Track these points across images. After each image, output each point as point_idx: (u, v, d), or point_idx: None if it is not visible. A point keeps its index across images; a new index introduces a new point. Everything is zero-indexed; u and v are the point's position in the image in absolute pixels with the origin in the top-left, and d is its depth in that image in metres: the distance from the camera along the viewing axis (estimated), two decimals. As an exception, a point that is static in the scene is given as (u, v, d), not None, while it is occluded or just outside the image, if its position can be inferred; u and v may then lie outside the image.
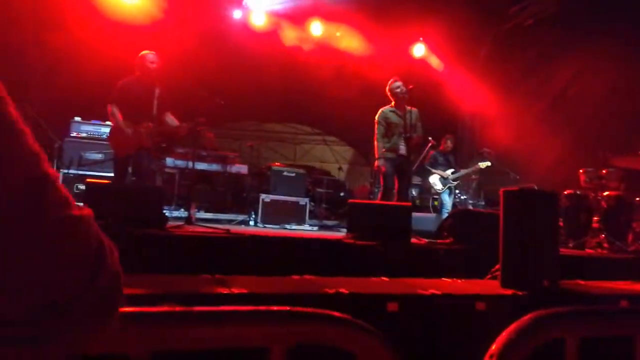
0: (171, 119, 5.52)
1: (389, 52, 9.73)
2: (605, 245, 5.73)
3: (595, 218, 6.03)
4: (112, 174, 5.91)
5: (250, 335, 1.03)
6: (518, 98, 9.47)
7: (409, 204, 5.73)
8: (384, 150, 6.19)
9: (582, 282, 3.82)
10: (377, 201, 6.31)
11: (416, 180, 9.11)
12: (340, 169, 11.23)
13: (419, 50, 10.46)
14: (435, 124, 8.26)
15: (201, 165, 7.62)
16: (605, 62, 7.96)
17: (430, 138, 7.94)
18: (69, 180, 6.91)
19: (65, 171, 7.01)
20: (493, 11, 9.59)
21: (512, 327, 1.11)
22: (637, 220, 6.03)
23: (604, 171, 6.24)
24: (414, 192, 9.30)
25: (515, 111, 9.31)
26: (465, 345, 2.65)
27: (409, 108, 6.24)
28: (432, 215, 8.31)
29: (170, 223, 4.59)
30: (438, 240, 4.86)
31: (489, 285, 3.49)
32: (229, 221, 7.22)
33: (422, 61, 10.55)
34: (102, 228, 0.54)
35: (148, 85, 5.39)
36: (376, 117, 6.33)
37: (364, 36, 9.67)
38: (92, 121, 7.72)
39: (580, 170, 6.53)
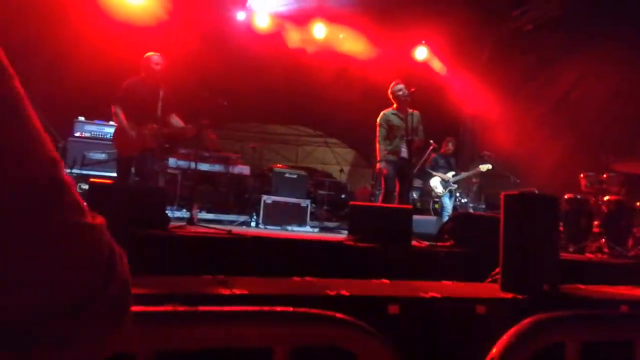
0: (176, 121, 5.53)
1: (391, 55, 9.75)
2: (606, 250, 5.72)
3: (596, 222, 6.03)
4: (115, 174, 5.93)
5: (254, 336, 1.04)
6: (519, 101, 9.48)
7: (410, 206, 5.73)
8: (385, 152, 6.20)
9: (582, 287, 3.82)
10: (378, 204, 6.31)
11: (417, 183, 9.12)
12: (341, 171, 11.24)
13: (421, 53, 10.48)
14: (437, 127, 8.27)
15: (203, 166, 7.64)
16: (607, 66, 7.96)
17: (431, 141, 7.95)
18: (72, 180, 6.91)
19: (69, 171, 7.02)
20: (495, 15, 9.61)
21: (513, 330, 1.11)
22: (638, 225, 6.03)
23: (604, 175, 6.23)
24: (415, 195, 9.30)
25: (516, 115, 9.31)
26: (466, 348, 2.66)
27: (410, 111, 6.25)
28: (433, 218, 8.32)
29: (173, 223, 4.61)
30: (439, 243, 4.86)
31: (489, 289, 3.49)
32: (231, 222, 7.24)
33: (424, 64, 10.57)
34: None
35: (153, 86, 5.40)
36: (378, 120, 6.34)
37: (367, 39, 9.69)
38: (96, 121, 7.75)
39: (581, 175, 6.52)
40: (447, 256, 4.40)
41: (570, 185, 6.70)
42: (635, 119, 7.50)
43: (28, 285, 0.45)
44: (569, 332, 1.19)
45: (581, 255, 5.71)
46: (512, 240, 3.43)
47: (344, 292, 2.74)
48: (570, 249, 5.92)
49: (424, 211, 9.07)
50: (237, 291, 2.54)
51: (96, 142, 7.52)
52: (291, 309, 1.03)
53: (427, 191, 9.04)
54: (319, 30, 9.71)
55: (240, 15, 9.49)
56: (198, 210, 6.63)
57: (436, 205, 8.81)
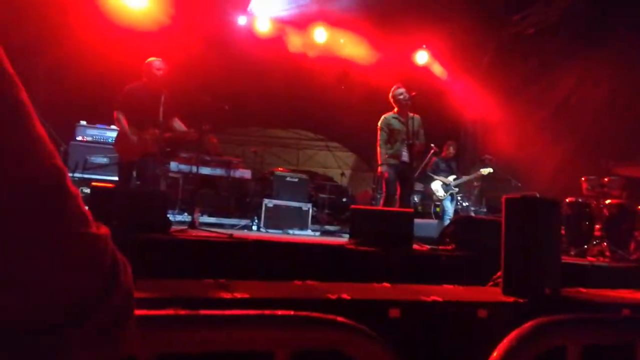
0: (179, 124, 5.55)
1: (392, 59, 9.76)
2: (607, 253, 5.72)
3: (598, 226, 6.02)
4: (117, 178, 5.94)
5: (255, 339, 1.05)
6: (520, 105, 9.48)
7: (411, 210, 5.73)
8: (386, 156, 6.21)
9: (584, 290, 3.82)
10: (380, 207, 6.32)
11: (418, 186, 9.12)
12: (342, 174, 11.25)
13: (421, 57, 10.49)
14: (438, 131, 8.27)
15: (205, 170, 7.64)
16: (608, 70, 7.96)
17: (432, 145, 7.95)
18: (74, 184, 6.92)
19: (70, 175, 7.01)
20: (496, 19, 9.62)
21: (514, 334, 1.11)
22: (639, 229, 6.02)
23: (606, 179, 6.23)
24: (416, 199, 9.31)
25: (517, 118, 9.31)
26: (467, 352, 2.66)
27: (411, 115, 6.26)
28: (434, 221, 8.32)
29: (174, 227, 4.61)
30: (440, 247, 4.87)
31: (491, 292, 3.49)
32: (232, 226, 7.23)
33: (425, 68, 10.58)
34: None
35: (154, 91, 5.41)
36: (379, 124, 6.35)
37: (368, 43, 9.71)
38: (98, 125, 7.76)
39: (583, 178, 6.52)
40: (448, 260, 4.40)
41: (572, 189, 6.70)
42: (635, 123, 7.50)
43: (28, 287, 0.45)
44: (570, 335, 1.19)
45: (583, 258, 5.69)
46: (514, 243, 3.43)
47: (345, 296, 2.74)
48: (572, 253, 5.91)
49: (425, 215, 9.07)
50: (238, 295, 2.54)
51: (98, 146, 7.54)
52: (292, 312, 1.03)
53: (428, 195, 9.04)
54: (320, 34, 9.73)
55: (242, 20, 9.51)
56: (199, 214, 6.63)
57: (437, 209, 8.81)
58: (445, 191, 8.38)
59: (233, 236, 4.46)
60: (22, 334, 0.45)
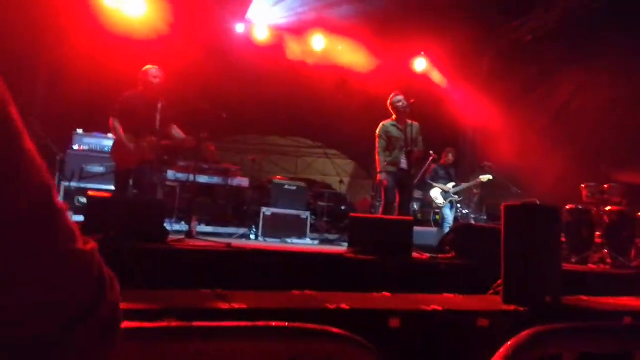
0: (177, 132, 5.53)
1: (390, 67, 9.79)
2: (608, 260, 5.70)
3: (598, 233, 6.00)
4: (113, 187, 5.92)
5: (249, 351, 1.03)
6: (519, 112, 9.49)
7: (411, 218, 5.71)
8: (385, 164, 6.19)
9: (585, 298, 3.79)
10: (379, 215, 6.29)
11: (417, 194, 9.10)
12: (341, 182, 11.23)
13: (420, 64, 10.52)
14: (437, 138, 8.28)
15: (202, 178, 7.62)
16: (607, 77, 7.98)
17: (431, 152, 7.95)
18: (71, 193, 6.91)
19: (67, 184, 7.01)
20: (495, 26, 9.66)
21: (510, 342, 1.11)
22: (640, 236, 6.01)
23: (606, 186, 6.22)
24: (415, 206, 9.29)
25: (516, 126, 9.32)
26: (467, 361, 2.63)
27: (410, 122, 6.26)
28: (434, 229, 8.29)
29: (171, 236, 4.58)
30: (440, 255, 4.84)
31: (491, 301, 3.47)
32: (230, 235, 7.20)
33: (424, 76, 10.61)
34: (102, 242, 0.54)
35: (151, 99, 5.40)
36: (377, 131, 6.34)
37: (366, 50, 9.74)
38: (94, 134, 7.74)
39: (583, 185, 6.51)
40: (448, 268, 4.38)
41: (572, 196, 6.68)
42: (635, 129, 7.50)
43: (14, 302, 0.45)
44: (566, 344, 1.18)
45: (583, 266, 5.68)
46: (514, 251, 3.41)
47: (344, 306, 2.71)
48: (573, 260, 5.89)
49: (424, 222, 9.05)
50: (236, 305, 2.52)
51: (95, 154, 7.51)
52: (286, 323, 1.01)
53: (427, 202, 9.02)
54: (318, 42, 9.76)
55: (240, 28, 9.54)
56: (197, 223, 6.60)
57: (437, 217, 8.78)
58: (445, 199, 8.37)
59: (231, 246, 4.43)
60: (8, 348, 0.45)
